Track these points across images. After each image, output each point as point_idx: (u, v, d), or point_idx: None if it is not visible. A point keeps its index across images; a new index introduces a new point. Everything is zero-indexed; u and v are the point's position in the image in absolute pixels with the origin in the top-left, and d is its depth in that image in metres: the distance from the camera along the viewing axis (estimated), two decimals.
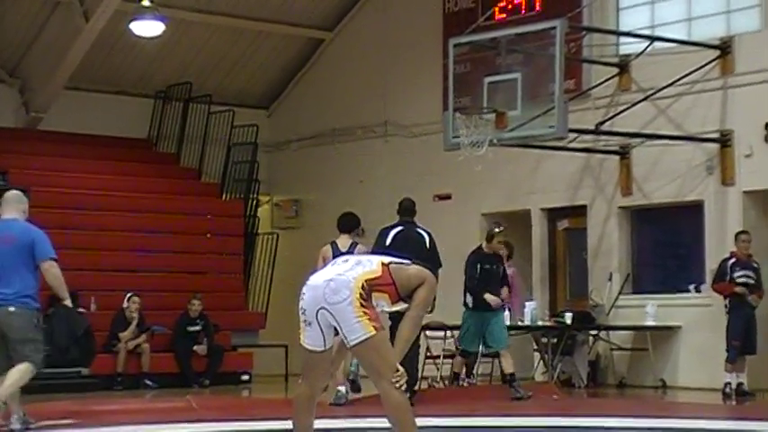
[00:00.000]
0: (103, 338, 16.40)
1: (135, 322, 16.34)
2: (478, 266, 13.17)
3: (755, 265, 14.08)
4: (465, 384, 14.15)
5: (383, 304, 6.66)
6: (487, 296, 13.03)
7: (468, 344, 13.39)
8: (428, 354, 15.09)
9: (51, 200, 17.57)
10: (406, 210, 12.25)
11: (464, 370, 14.15)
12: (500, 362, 13.56)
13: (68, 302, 9.82)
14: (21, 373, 9.34)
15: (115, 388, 15.80)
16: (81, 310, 13.14)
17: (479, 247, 13.47)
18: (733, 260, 14.06)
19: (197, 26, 19.67)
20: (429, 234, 12.13)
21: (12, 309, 9.42)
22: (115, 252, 17.59)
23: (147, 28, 18.42)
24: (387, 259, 6.68)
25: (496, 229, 13.40)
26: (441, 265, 13.19)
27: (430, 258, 11.23)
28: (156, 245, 18.12)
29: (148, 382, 16.17)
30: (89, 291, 16.91)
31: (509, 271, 15.13)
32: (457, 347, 14.10)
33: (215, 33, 19.93)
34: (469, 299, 13.21)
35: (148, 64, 19.95)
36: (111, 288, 16.93)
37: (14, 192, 10.07)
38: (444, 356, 15.20)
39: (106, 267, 17.38)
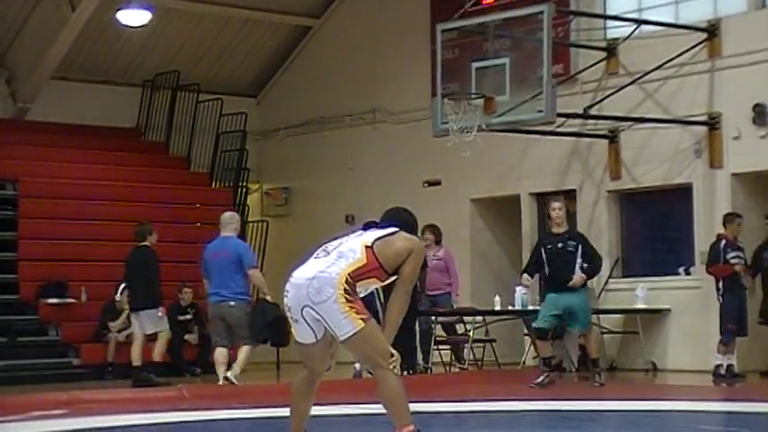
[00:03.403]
0: (94, 328, 16.40)
1: (126, 313, 16.29)
2: (542, 248, 12.77)
3: (741, 246, 14.15)
4: (458, 369, 14.05)
5: (373, 287, 6.66)
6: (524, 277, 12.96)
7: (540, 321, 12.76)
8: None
9: (39, 190, 17.54)
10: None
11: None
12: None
13: (269, 297, 12.73)
14: (245, 353, 12.79)
15: (106, 377, 15.80)
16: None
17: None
18: (724, 242, 14.09)
19: (184, 14, 19.61)
20: None
21: (231, 303, 12.82)
22: (104, 242, 17.50)
23: (134, 17, 18.37)
24: (370, 239, 6.60)
25: (554, 203, 12.92)
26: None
27: None
28: None
29: None
30: (79, 281, 16.90)
31: (440, 253, 15.17)
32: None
33: (202, 22, 19.87)
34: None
35: (136, 53, 19.89)
36: (100, 278, 16.84)
37: (229, 213, 13.52)
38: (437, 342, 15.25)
39: (95, 257, 17.28)
